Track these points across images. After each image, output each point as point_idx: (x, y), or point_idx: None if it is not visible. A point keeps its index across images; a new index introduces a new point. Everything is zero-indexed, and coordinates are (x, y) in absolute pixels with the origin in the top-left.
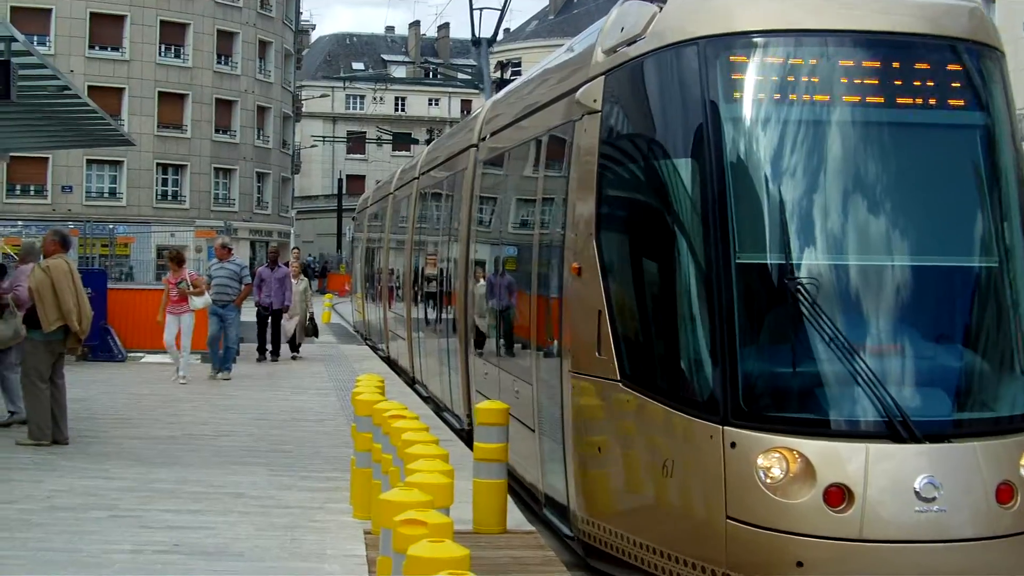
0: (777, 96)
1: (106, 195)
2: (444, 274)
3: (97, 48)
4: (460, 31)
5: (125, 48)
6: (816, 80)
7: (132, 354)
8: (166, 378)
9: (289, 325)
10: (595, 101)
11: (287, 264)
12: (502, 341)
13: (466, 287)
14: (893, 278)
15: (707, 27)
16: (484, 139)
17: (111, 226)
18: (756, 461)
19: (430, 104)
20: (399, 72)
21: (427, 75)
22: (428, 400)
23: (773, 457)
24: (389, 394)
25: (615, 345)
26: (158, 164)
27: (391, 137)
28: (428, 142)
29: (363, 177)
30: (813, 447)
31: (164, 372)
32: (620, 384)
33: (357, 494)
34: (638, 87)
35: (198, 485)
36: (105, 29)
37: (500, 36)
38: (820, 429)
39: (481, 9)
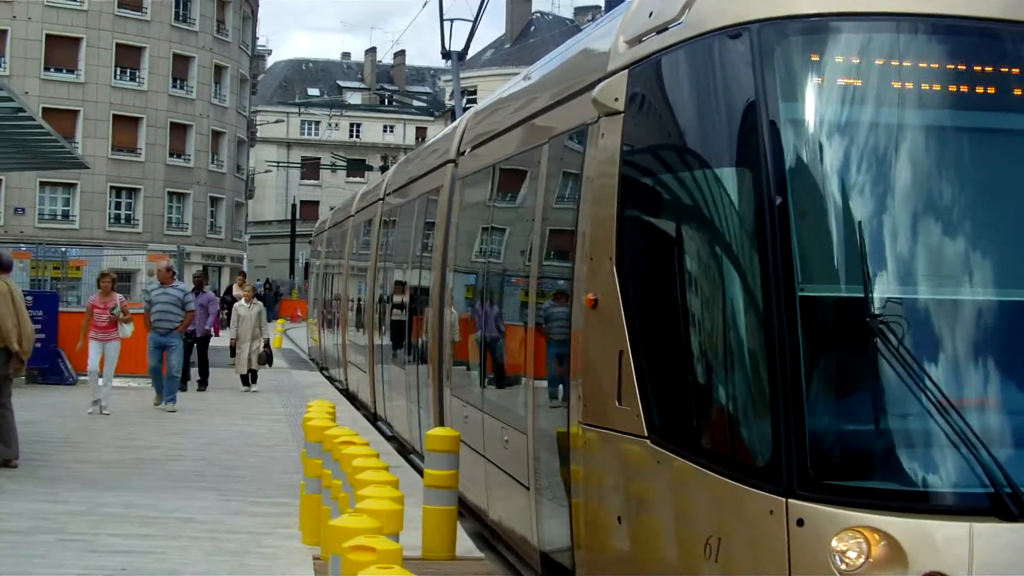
0: (849, 94)
1: (59, 217)
2: (414, 303)
3: (52, 70)
4: (416, 59)
5: (80, 70)
6: (898, 75)
7: (83, 377)
8: (113, 404)
9: (242, 356)
10: (616, 100)
11: (230, 289)
12: (488, 382)
13: (441, 319)
14: (998, 315)
15: (761, 9)
16: (464, 153)
17: (63, 249)
18: (830, 543)
19: (385, 131)
20: (354, 98)
21: (382, 102)
22: (392, 439)
23: (852, 539)
24: (341, 421)
25: (641, 393)
26: (112, 187)
27: (345, 163)
28: (383, 169)
29: (317, 203)
30: (902, 526)
31: (119, 392)
32: (648, 441)
33: (307, 520)
34: (673, 83)
35: (147, 509)
36: (61, 51)
37: (470, 52)
38: (910, 503)
39: (452, 20)
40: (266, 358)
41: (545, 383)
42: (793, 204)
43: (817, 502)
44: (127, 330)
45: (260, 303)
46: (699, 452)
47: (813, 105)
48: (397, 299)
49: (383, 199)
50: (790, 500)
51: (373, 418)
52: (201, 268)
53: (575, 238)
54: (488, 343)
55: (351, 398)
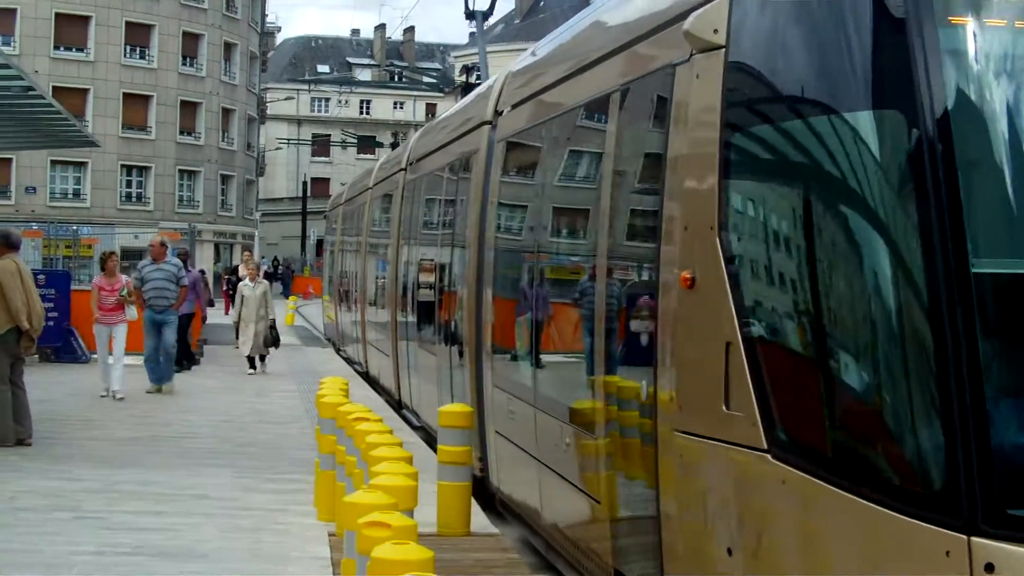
0: None
1: (70, 196)
2: (444, 282)
3: (62, 49)
4: (426, 35)
5: (90, 49)
6: None
7: (95, 356)
8: (131, 375)
9: (247, 338)
10: (716, 32)
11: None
12: (543, 374)
13: (478, 300)
14: None
15: None
16: (502, 113)
17: (75, 227)
18: None
19: (395, 107)
20: (364, 75)
21: (392, 78)
22: (419, 429)
23: None
24: (354, 398)
25: (758, 396)
26: (122, 166)
27: (356, 140)
28: (393, 145)
29: (328, 180)
30: None
31: (131, 371)
32: (768, 456)
33: (321, 496)
34: (794, 6)
35: (162, 487)
36: (70, 30)
37: (492, 19)
38: None
39: None
40: (272, 340)
41: (621, 379)
42: (962, 156)
43: (1008, 540)
44: (134, 312)
45: (265, 282)
46: (841, 472)
47: (988, 31)
48: (424, 277)
49: (405, 169)
50: (974, 539)
51: (398, 405)
52: (186, 247)
53: (660, 203)
54: (541, 329)
55: (371, 382)
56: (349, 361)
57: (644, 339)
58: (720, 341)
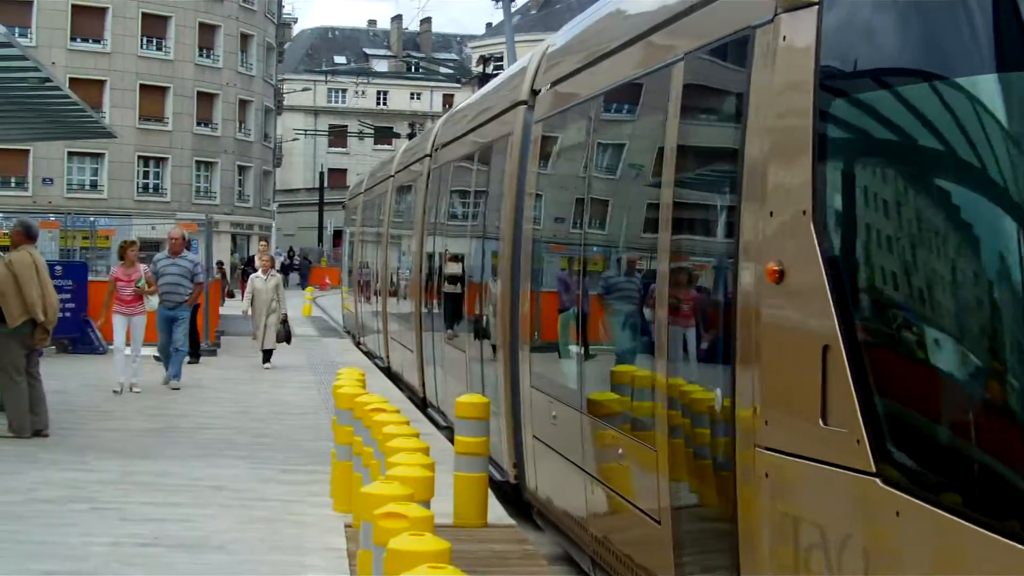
0: None
1: (87, 187)
2: (475, 274)
3: (79, 40)
4: (442, 26)
5: (107, 40)
6: None
7: (112, 347)
8: (147, 370)
9: (259, 332)
10: None
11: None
12: (592, 376)
13: (513, 293)
14: None
15: None
16: (539, 92)
17: (92, 219)
18: None
19: (412, 98)
20: (381, 66)
21: (409, 69)
22: (446, 429)
23: None
24: (370, 388)
25: (864, 409)
26: (139, 157)
27: (373, 131)
28: (410, 136)
29: (345, 171)
30: None
31: (147, 362)
32: (877, 481)
33: (338, 487)
34: None
35: (178, 478)
36: (87, 21)
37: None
38: None
39: None
40: (284, 335)
41: (690, 386)
42: None
43: None
44: (153, 303)
45: (279, 275)
46: (976, 504)
47: None
48: (452, 269)
49: (431, 155)
50: None
51: (423, 404)
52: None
53: (737, 186)
54: (593, 329)
55: (393, 378)
56: (369, 355)
57: (719, 341)
58: (816, 343)
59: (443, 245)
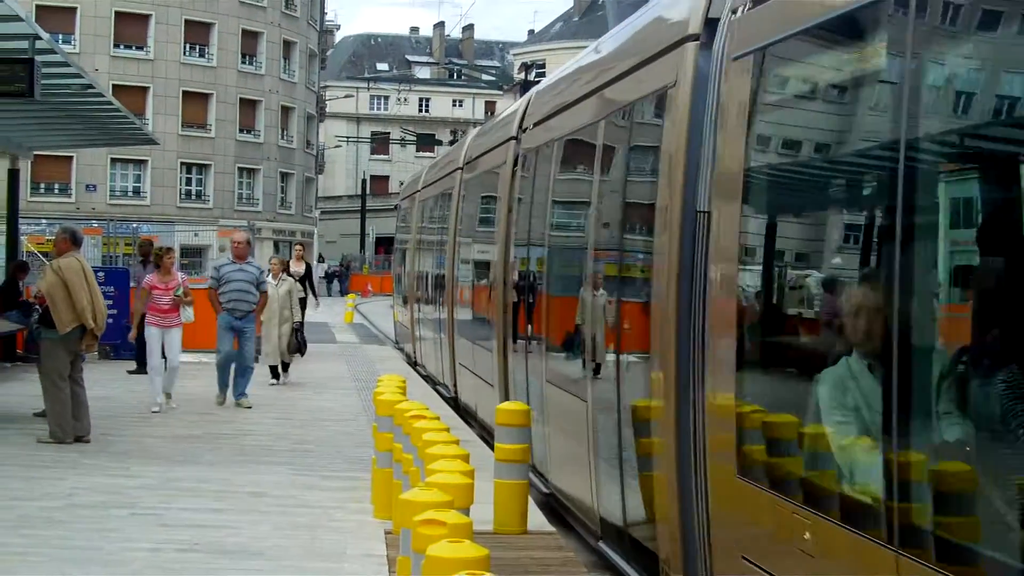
0: None
1: (130, 194)
2: (621, 290)
3: (122, 47)
4: (485, 33)
5: (150, 47)
6: None
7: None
8: (190, 375)
9: (271, 343)
10: None
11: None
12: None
13: (691, 313)
14: None
15: None
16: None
17: (135, 225)
18: None
19: (454, 105)
20: (423, 73)
21: (451, 76)
22: (554, 496)
23: None
24: (411, 396)
25: None
26: (182, 163)
27: (415, 138)
28: (452, 143)
29: (387, 177)
30: None
31: (189, 370)
32: None
33: (378, 494)
34: None
35: (219, 484)
36: (130, 28)
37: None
38: None
39: None
40: (296, 345)
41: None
42: None
43: None
44: (190, 314)
45: (291, 280)
46: None
47: None
48: (562, 283)
49: (518, 138)
50: None
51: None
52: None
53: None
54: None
55: (466, 414)
56: (431, 380)
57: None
58: None
59: (545, 256)
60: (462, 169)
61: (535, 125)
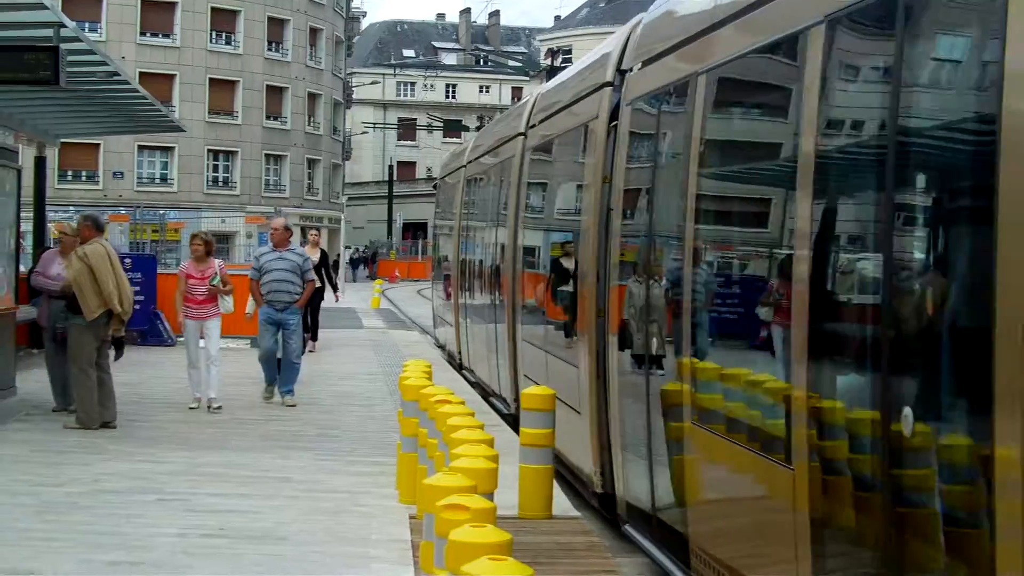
0: None
1: (157, 181)
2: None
3: (148, 35)
4: (511, 19)
5: (176, 35)
6: None
7: (181, 339)
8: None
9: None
10: None
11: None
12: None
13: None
14: None
15: None
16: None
17: (162, 212)
18: None
19: (481, 91)
20: (450, 59)
21: (478, 62)
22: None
23: None
24: (437, 381)
25: None
26: (209, 150)
27: (442, 124)
28: (479, 128)
29: (414, 164)
30: None
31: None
32: None
33: (403, 479)
34: None
35: (245, 469)
36: (156, 16)
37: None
38: None
39: None
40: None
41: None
42: None
43: None
44: (228, 304)
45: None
46: None
47: None
48: (663, 280)
49: (611, 85)
50: None
51: (603, 501)
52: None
53: None
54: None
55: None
56: (482, 389)
57: None
58: None
59: (644, 245)
60: (524, 135)
61: (653, 59)
